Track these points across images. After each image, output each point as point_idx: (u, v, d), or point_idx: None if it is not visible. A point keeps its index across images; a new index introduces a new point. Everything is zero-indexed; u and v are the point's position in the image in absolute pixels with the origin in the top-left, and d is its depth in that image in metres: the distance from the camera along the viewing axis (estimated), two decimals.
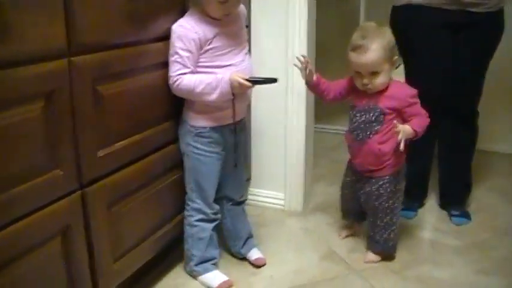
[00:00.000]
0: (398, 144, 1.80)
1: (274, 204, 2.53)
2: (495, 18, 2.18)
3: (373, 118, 1.88)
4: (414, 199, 2.46)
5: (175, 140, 1.83)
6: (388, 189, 1.96)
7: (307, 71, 1.91)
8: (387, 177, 1.95)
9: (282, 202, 2.52)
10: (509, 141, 3.36)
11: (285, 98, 2.37)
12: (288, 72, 2.31)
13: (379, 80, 1.85)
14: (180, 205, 1.90)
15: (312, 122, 2.53)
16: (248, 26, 2.29)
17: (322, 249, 2.15)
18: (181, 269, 1.97)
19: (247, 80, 1.66)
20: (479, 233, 2.29)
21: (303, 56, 1.90)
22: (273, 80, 1.70)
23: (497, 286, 1.91)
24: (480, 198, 2.64)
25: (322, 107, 2.73)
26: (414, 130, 1.83)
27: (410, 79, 2.29)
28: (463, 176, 2.47)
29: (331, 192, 2.60)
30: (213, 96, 1.68)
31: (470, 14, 2.12)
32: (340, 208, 2.25)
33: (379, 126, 1.89)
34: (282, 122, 2.41)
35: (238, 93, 1.70)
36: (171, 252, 2.02)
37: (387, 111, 1.87)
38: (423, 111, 1.89)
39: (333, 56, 4.07)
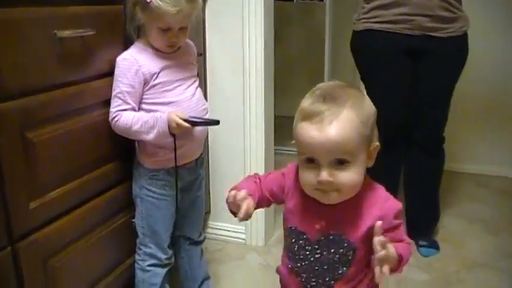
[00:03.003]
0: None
1: (235, 238, 2.42)
2: (459, 43, 2.11)
3: (337, 257, 1.13)
4: None
5: (122, 181, 1.69)
6: None
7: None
8: None
9: (243, 236, 2.41)
10: (476, 160, 3.32)
11: (242, 128, 2.26)
12: (245, 100, 2.22)
13: (349, 177, 1.04)
14: (130, 249, 1.76)
15: (271, 150, 2.42)
16: (203, 54, 2.18)
17: None
18: None
19: (186, 120, 1.54)
20: (447, 266, 2.22)
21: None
22: (215, 122, 1.59)
23: None
24: (447, 225, 2.57)
25: (283, 129, 2.63)
26: (399, 255, 1.05)
27: None
28: (431, 205, 2.40)
29: None
30: (151, 136, 1.55)
31: (433, 39, 2.05)
32: None
33: (345, 269, 1.14)
34: (241, 152, 2.30)
35: (179, 134, 1.57)
36: None
37: (360, 244, 1.11)
38: (408, 239, 1.16)
39: (297, 73, 4.14)
